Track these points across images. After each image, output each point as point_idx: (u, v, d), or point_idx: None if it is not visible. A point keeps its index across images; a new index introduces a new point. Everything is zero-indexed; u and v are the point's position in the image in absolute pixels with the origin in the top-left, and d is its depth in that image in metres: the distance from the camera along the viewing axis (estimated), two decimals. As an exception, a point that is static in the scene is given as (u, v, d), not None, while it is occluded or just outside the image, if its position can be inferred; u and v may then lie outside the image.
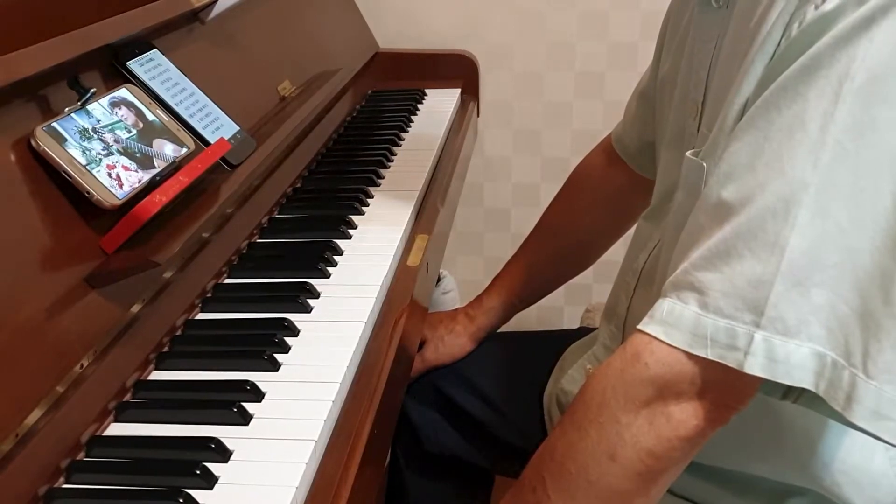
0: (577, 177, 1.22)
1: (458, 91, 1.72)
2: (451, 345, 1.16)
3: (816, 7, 0.64)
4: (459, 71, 1.77)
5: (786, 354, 0.63)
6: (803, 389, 0.67)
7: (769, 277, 0.64)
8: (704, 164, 0.74)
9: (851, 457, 0.81)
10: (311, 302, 0.93)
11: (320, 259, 1.01)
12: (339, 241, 1.06)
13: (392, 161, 1.35)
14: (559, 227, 1.20)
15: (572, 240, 1.19)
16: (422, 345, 1.17)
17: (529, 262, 1.20)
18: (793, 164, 0.64)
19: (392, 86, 1.75)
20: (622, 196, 1.09)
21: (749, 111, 0.68)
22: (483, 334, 1.18)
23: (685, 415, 0.67)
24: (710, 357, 0.65)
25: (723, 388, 0.67)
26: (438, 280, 1.87)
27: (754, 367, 0.64)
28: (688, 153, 0.77)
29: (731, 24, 0.76)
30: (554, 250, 1.19)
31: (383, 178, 1.29)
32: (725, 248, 0.65)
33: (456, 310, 1.20)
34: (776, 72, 0.67)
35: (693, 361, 0.66)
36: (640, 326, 0.69)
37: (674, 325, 0.67)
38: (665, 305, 0.68)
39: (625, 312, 0.96)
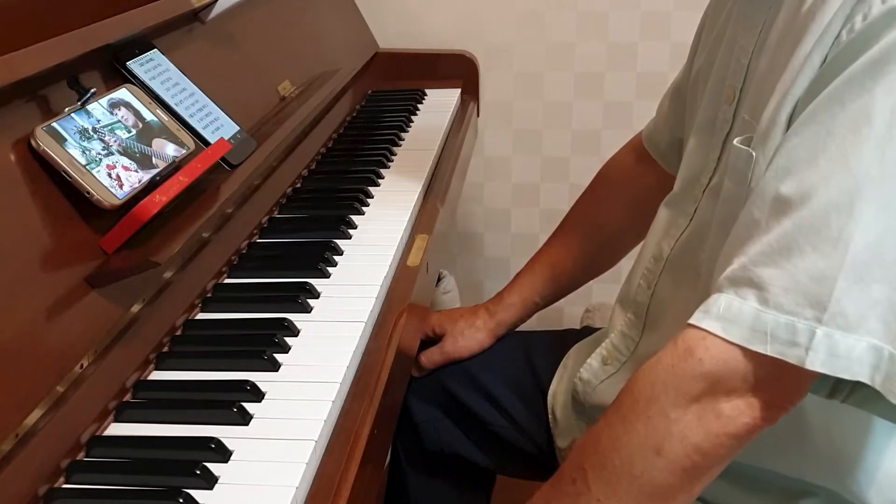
0: (605, 175, 1.21)
1: (458, 91, 1.72)
2: (470, 339, 1.16)
3: (883, 1, 0.65)
4: (459, 71, 1.77)
5: (847, 349, 0.64)
6: (853, 388, 0.67)
7: (832, 273, 0.64)
8: (754, 153, 0.74)
9: (873, 456, 0.81)
10: (311, 302, 0.93)
11: (320, 259, 1.01)
12: (339, 241, 1.06)
13: (392, 161, 1.35)
14: (584, 226, 1.19)
15: (597, 239, 1.18)
16: (440, 338, 1.17)
17: (553, 260, 1.19)
18: (858, 158, 0.64)
19: (392, 86, 1.75)
20: (650, 195, 1.08)
21: (810, 106, 0.68)
22: (502, 330, 1.18)
23: (735, 412, 0.67)
24: (770, 353, 0.65)
25: (775, 386, 0.67)
26: (438, 280, 1.87)
27: (815, 363, 0.64)
28: (735, 141, 0.77)
29: (781, 12, 0.76)
30: (578, 249, 1.18)
31: (383, 178, 1.29)
32: (786, 244, 0.65)
33: (477, 305, 1.20)
34: (837, 65, 0.67)
35: (748, 358, 0.66)
36: (693, 321, 0.68)
37: (732, 321, 0.66)
38: (722, 301, 0.67)
39: (647, 299, 0.95)
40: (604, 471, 0.72)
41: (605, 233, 1.18)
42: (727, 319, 0.67)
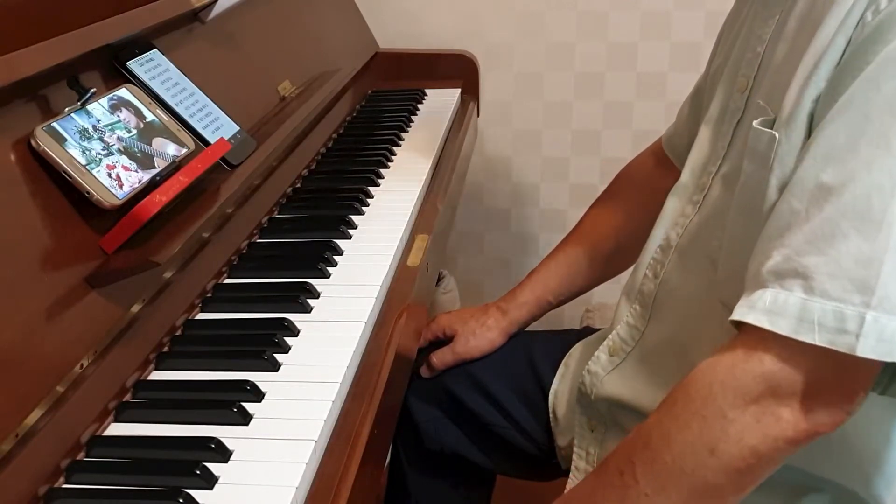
0: (624, 177, 1.21)
1: (458, 91, 1.72)
2: (481, 338, 1.15)
3: None
4: (459, 71, 1.77)
5: (892, 333, 0.63)
6: (893, 377, 0.67)
7: (878, 255, 0.63)
8: (776, 135, 0.74)
9: (888, 452, 0.81)
10: (311, 302, 0.93)
11: (320, 259, 1.01)
12: (339, 241, 1.06)
13: (392, 161, 1.35)
14: (601, 227, 1.19)
15: (614, 240, 1.18)
16: (450, 339, 1.16)
17: (568, 260, 1.19)
18: None
19: (392, 86, 1.75)
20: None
21: (847, 92, 0.67)
22: (514, 329, 1.17)
23: (795, 416, 0.67)
24: (819, 343, 0.64)
25: (836, 387, 0.67)
26: (438, 280, 1.87)
27: (866, 349, 0.63)
28: (755, 123, 0.77)
29: (800, 1, 0.76)
30: (594, 250, 1.18)
31: (383, 178, 1.29)
32: (830, 230, 0.65)
33: (487, 304, 1.19)
34: (865, 48, 0.67)
35: (808, 359, 0.66)
36: (737, 316, 0.68)
37: (778, 314, 0.66)
38: (768, 295, 0.67)
39: (654, 289, 0.95)
40: (654, 465, 0.72)
41: (622, 234, 1.17)
42: (773, 312, 0.66)
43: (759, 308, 0.67)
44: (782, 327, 0.66)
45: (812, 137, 0.70)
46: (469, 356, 1.14)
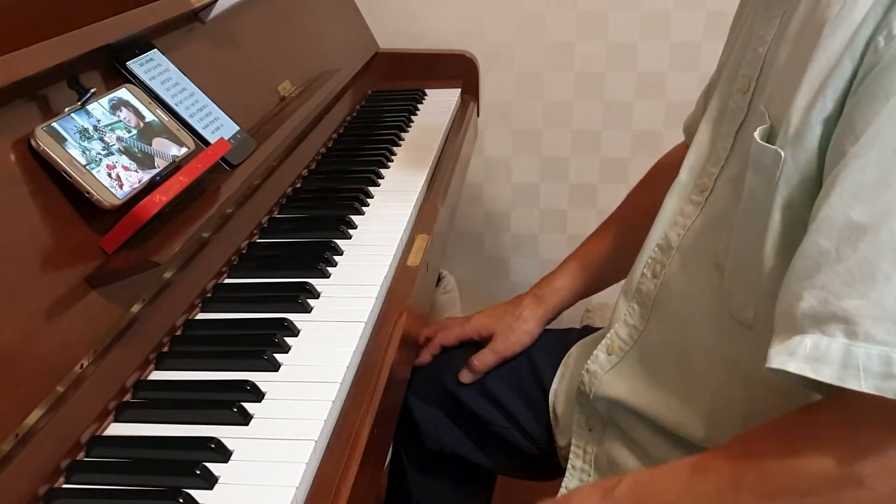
0: (659, 167, 1.21)
1: (458, 91, 1.72)
2: (519, 332, 1.14)
3: None
4: (459, 71, 1.77)
5: None
6: None
7: None
8: (782, 153, 0.72)
9: None
10: (311, 302, 0.93)
11: (320, 259, 1.01)
12: (339, 241, 1.06)
13: (392, 161, 1.35)
14: (636, 216, 1.17)
15: (646, 229, 1.17)
16: (489, 338, 1.14)
17: (603, 248, 1.18)
18: None
19: (392, 86, 1.75)
20: None
21: (871, 126, 0.65)
22: (549, 316, 1.15)
23: None
24: (865, 390, 0.61)
25: None
26: (438, 280, 1.87)
27: None
28: (756, 136, 0.75)
29: (802, 3, 0.75)
30: (630, 240, 1.17)
31: (383, 178, 1.29)
32: (869, 271, 0.62)
33: (519, 295, 1.17)
34: (884, 76, 0.65)
35: None
36: (777, 365, 0.65)
37: (821, 360, 0.63)
38: (808, 341, 0.64)
39: (653, 288, 0.94)
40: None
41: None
42: (815, 360, 0.64)
43: (800, 355, 0.65)
44: (825, 375, 0.63)
45: (836, 172, 0.67)
46: (510, 353, 1.13)
